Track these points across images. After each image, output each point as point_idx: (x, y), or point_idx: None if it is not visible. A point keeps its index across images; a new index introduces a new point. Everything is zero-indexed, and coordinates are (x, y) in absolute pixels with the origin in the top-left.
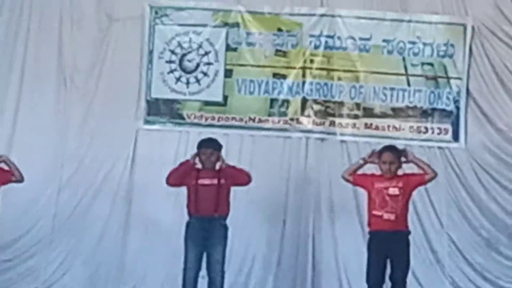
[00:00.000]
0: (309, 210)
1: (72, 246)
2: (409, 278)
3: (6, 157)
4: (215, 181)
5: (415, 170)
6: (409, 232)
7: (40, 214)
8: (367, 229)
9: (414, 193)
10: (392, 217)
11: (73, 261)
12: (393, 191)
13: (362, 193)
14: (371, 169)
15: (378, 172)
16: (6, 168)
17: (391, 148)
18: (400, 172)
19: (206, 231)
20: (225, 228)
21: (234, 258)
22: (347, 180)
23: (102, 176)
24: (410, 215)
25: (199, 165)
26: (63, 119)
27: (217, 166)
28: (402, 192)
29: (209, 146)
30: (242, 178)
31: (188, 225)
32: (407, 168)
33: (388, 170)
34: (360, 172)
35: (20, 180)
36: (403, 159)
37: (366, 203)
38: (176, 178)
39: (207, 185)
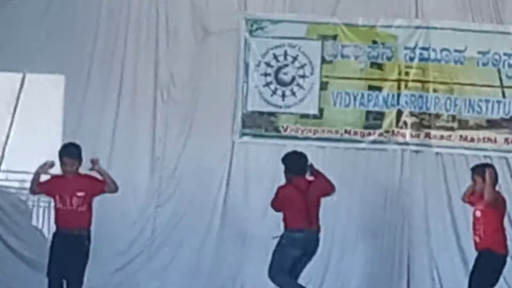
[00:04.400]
0: (404, 223)
1: (171, 259)
2: None
3: (100, 166)
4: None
5: None
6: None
7: (140, 227)
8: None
9: None
10: None
11: (171, 274)
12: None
13: (458, 206)
14: None
15: None
16: (100, 178)
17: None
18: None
19: (308, 242)
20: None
21: (330, 271)
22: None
23: (199, 189)
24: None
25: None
26: (161, 132)
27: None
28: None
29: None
30: (326, 188)
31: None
32: None
33: None
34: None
35: (114, 190)
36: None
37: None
38: (277, 206)
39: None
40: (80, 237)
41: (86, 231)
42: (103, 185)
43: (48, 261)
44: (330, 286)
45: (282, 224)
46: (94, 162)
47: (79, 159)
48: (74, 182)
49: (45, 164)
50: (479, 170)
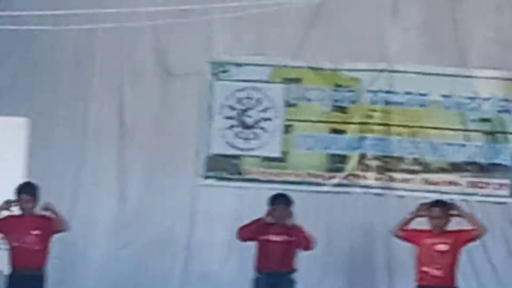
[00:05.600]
0: (367, 266)
1: None
2: None
3: (51, 205)
4: (284, 237)
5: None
6: None
7: (102, 270)
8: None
9: (472, 248)
10: (440, 273)
11: None
12: (442, 247)
13: None
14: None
15: (427, 227)
16: (52, 216)
17: (439, 203)
18: (450, 227)
19: (275, 285)
20: (293, 283)
21: None
22: (398, 236)
23: (163, 232)
24: (467, 271)
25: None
26: (125, 174)
27: (288, 222)
28: (451, 248)
29: (283, 201)
30: (307, 244)
31: (257, 280)
32: (457, 224)
33: (437, 225)
34: (410, 227)
35: (65, 229)
36: (452, 212)
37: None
38: (248, 233)
39: (277, 242)
40: (36, 276)
41: (42, 270)
42: (53, 223)
43: None
44: None
45: (246, 266)
46: (46, 207)
47: (35, 197)
48: (29, 221)
49: (8, 201)
50: (440, 204)
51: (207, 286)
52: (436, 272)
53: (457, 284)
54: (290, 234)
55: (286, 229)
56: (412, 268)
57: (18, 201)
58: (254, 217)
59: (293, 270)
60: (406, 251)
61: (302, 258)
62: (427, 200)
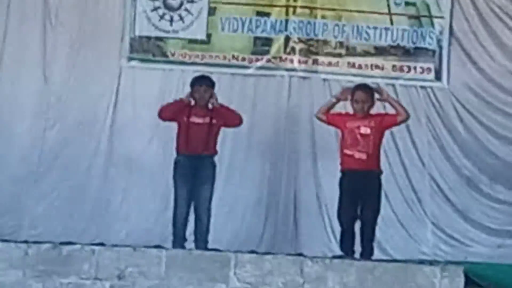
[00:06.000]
0: (291, 149)
1: (57, 183)
2: (390, 217)
3: None
4: (207, 120)
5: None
6: (380, 172)
7: (26, 151)
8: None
9: (396, 132)
10: (364, 156)
11: (57, 198)
12: (365, 130)
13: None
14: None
15: (351, 111)
16: None
17: (364, 87)
18: (373, 111)
19: (195, 169)
20: (214, 166)
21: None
22: (320, 119)
23: (87, 114)
24: (392, 155)
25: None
26: (49, 56)
27: (210, 104)
28: (374, 132)
29: (203, 83)
30: (234, 119)
31: (176, 163)
32: (380, 108)
33: (361, 109)
34: (334, 111)
35: None
36: (377, 96)
37: (338, 142)
38: (169, 112)
39: (199, 124)
40: None
41: None
42: None
43: None
44: (216, 210)
45: (169, 148)
46: None
47: None
48: None
49: None
50: (365, 88)
51: (131, 166)
52: (360, 155)
53: (380, 167)
54: (213, 116)
55: (209, 111)
56: (336, 150)
57: None
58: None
59: (215, 153)
60: (331, 134)
61: (225, 140)
62: (351, 84)
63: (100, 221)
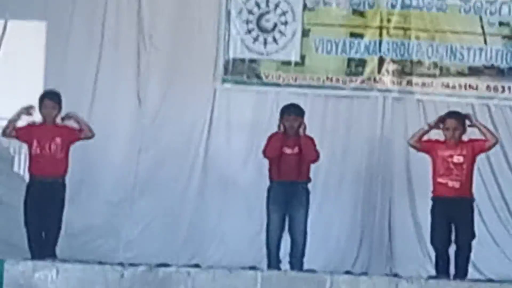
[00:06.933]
0: (385, 171)
1: (152, 206)
2: (486, 237)
3: (74, 113)
4: (296, 150)
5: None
6: (473, 199)
7: (121, 174)
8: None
9: (491, 153)
10: (457, 185)
11: (152, 220)
12: (458, 159)
13: None
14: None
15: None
16: (75, 125)
17: (455, 114)
18: (464, 138)
19: (288, 195)
20: (307, 192)
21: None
22: (413, 147)
23: (181, 136)
24: (487, 175)
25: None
26: (143, 79)
27: (300, 132)
28: (466, 159)
29: (292, 112)
30: (312, 155)
31: (270, 189)
32: (470, 133)
33: (452, 136)
34: (426, 138)
35: (90, 136)
36: (467, 122)
37: (431, 169)
38: (273, 150)
39: (290, 155)
40: (56, 184)
41: (62, 179)
42: (79, 131)
43: (24, 211)
44: (311, 233)
45: (263, 172)
46: (68, 116)
47: (59, 105)
48: (52, 129)
49: (27, 107)
50: (456, 116)
51: (226, 189)
52: (453, 184)
53: (472, 194)
54: (301, 145)
55: (297, 140)
56: (431, 172)
57: (39, 108)
58: (272, 122)
59: (308, 180)
60: (424, 157)
61: (319, 163)
62: (446, 109)
63: (195, 243)
